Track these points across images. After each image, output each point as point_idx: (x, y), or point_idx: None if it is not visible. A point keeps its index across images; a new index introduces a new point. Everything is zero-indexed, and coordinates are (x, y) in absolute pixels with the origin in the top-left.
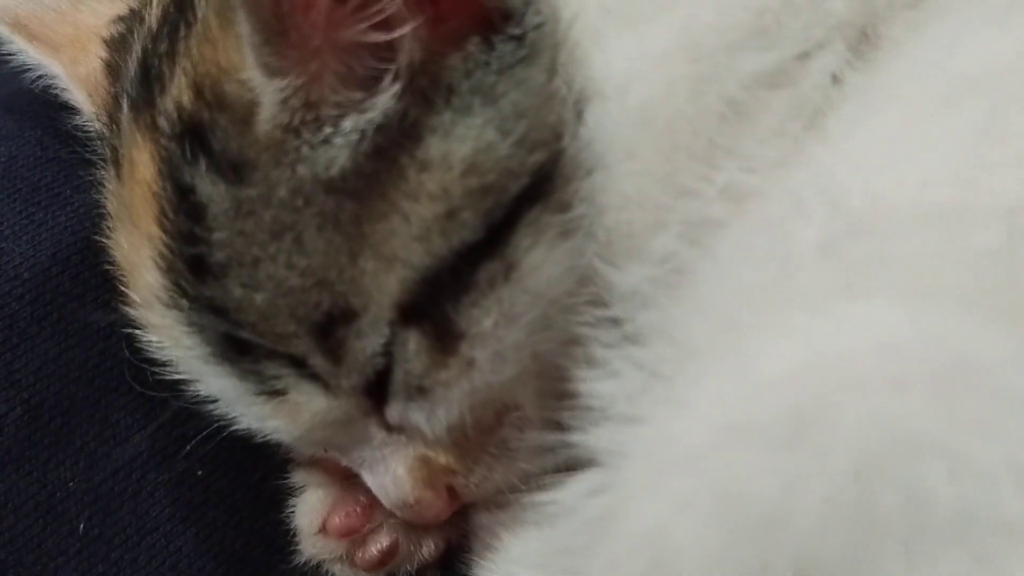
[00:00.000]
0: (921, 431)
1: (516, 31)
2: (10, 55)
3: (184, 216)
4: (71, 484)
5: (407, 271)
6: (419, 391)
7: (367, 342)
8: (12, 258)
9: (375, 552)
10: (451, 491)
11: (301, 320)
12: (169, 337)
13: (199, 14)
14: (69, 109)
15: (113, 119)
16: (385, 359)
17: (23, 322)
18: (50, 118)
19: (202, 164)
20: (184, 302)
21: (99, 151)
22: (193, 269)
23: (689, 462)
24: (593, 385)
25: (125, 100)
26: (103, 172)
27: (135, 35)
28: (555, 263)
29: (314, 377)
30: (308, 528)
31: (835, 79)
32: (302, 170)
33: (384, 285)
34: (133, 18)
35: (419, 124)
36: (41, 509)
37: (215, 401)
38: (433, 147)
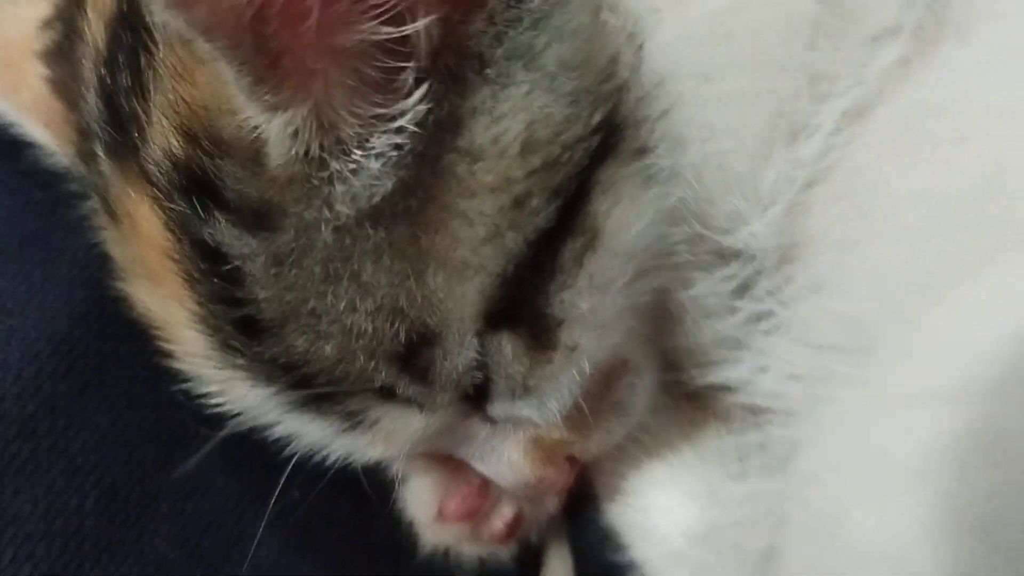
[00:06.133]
0: None
1: None
2: None
3: (217, 280)
4: (172, 554)
5: (483, 277)
6: (525, 390)
7: (457, 360)
8: (27, 334)
9: (501, 526)
10: (570, 458)
11: (379, 356)
12: (231, 392)
13: (158, 39)
14: (23, 144)
15: (85, 156)
16: (481, 371)
17: (64, 400)
18: (4, 159)
19: (219, 219)
20: (240, 361)
21: (75, 186)
22: (243, 331)
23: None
24: (743, 369)
25: (98, 144)
26: (87, 209)
27: (78, 52)
28: (640, 216)
29: (406, 401)
30: (425, 518)
31: None
32: (341, 208)
33: (461, 298)
34: (66, 25)
35: (456, 111)
36: None
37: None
38: (479, 132)
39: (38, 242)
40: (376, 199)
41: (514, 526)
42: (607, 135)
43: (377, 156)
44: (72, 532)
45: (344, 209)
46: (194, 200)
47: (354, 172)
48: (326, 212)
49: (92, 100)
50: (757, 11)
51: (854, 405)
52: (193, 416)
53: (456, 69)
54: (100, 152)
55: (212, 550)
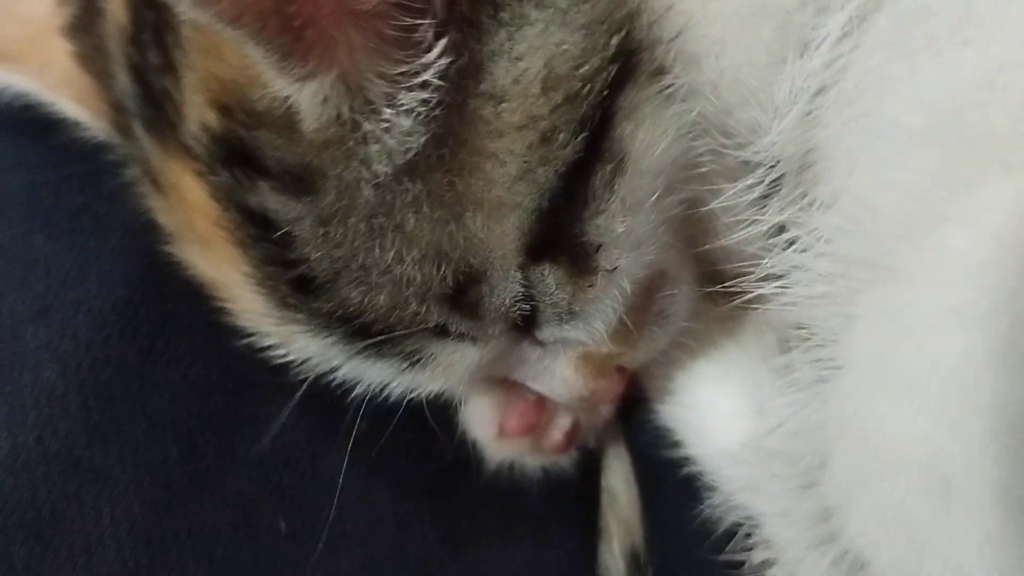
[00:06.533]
0: None
1: None
2: None
3: (268, 243)
4: (254, 493)
5: (519, 213)
6: (571, 314)
7: (503, 294)
8: (92, 303)
9: (560, 436)
10: (620, 368)
11: (429, 299)
12: (292, 344)
13: (182, 16)
14: (58, 121)
15: (122, 130)
16: (528, 302)
17: (135, 362)
18: (41, 134)
19: (262, 186)
20: (299, 316)
21: (115, 156)
22: (299, 289)
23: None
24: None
25: (135, 120)
26: (129, 176)
27: (100, 26)
28: (663, 133)
29: (460, 336)
30: (487, 437)
31: None
32: (378, 166)
33: (501, 236)
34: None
35: (476, 56)
36: (237, 523)
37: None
38: (500, 75)
39: (86, 213)
40: (410, 154)
41: (572, 435)
42: (624, 61)
43: (406, 112)
44: (159, 484)
45: (381, 167)
46: (235, 170)
47: (386, 130)
48: (364, 171)
49: (123, 77)
50: None
51: (879, 324)
52: (258, 365)
53: (471, 15)
54: (138, 128)
55: (291, 485)
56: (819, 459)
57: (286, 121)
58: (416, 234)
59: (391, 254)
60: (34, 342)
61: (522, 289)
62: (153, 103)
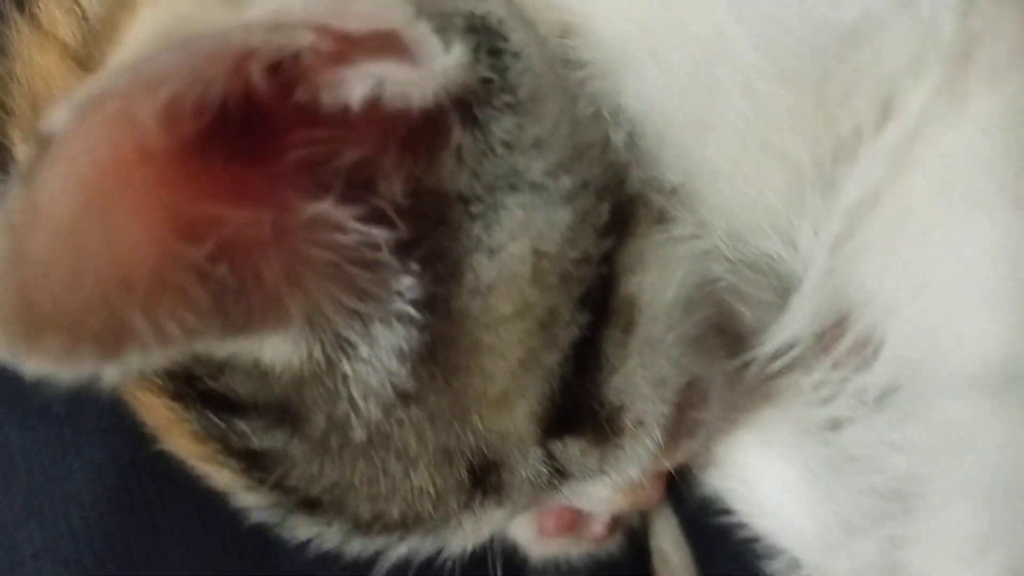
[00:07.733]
0: None
1: (507, 99)
2: None
3: (263, 478)
4: None
5: (527, 401)
6: (600, 472)
7: (525, 471)
8: (82, 498)
9: (602, 529)
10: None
11: (446, 496)
12: (303, 531)
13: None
14: None
15: None
16: (552, 476)
17: (140, 548)
18: None
19: (240, 426)
20: (308, 523)
21: None
22: (305, 508)
23: None
24: None
25: None
26: None
27: None
28: (674, 273)
29: (484, 507)
30: (527, 538)
31: None
32: (367, 408)
33: (512, 426)
34: None
35: (452, 255)
36: None
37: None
38: (483, 270)
39: (58, 398)
40: (399, 385)
41: (614, 525)
42: (620, 223)
43: (384, 347)
44: None
45: (370, 411)
46: (207, 412)
47: (368, 369)
48: (353, 417)
49: None
50: (743, 54)
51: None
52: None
53: (439, 214)
54: None
55: None
56: None
57: (253, 365)
58: (420, 453)
59: (397, 476)
60: (31, 547)
61: (545, 464)
62: None
